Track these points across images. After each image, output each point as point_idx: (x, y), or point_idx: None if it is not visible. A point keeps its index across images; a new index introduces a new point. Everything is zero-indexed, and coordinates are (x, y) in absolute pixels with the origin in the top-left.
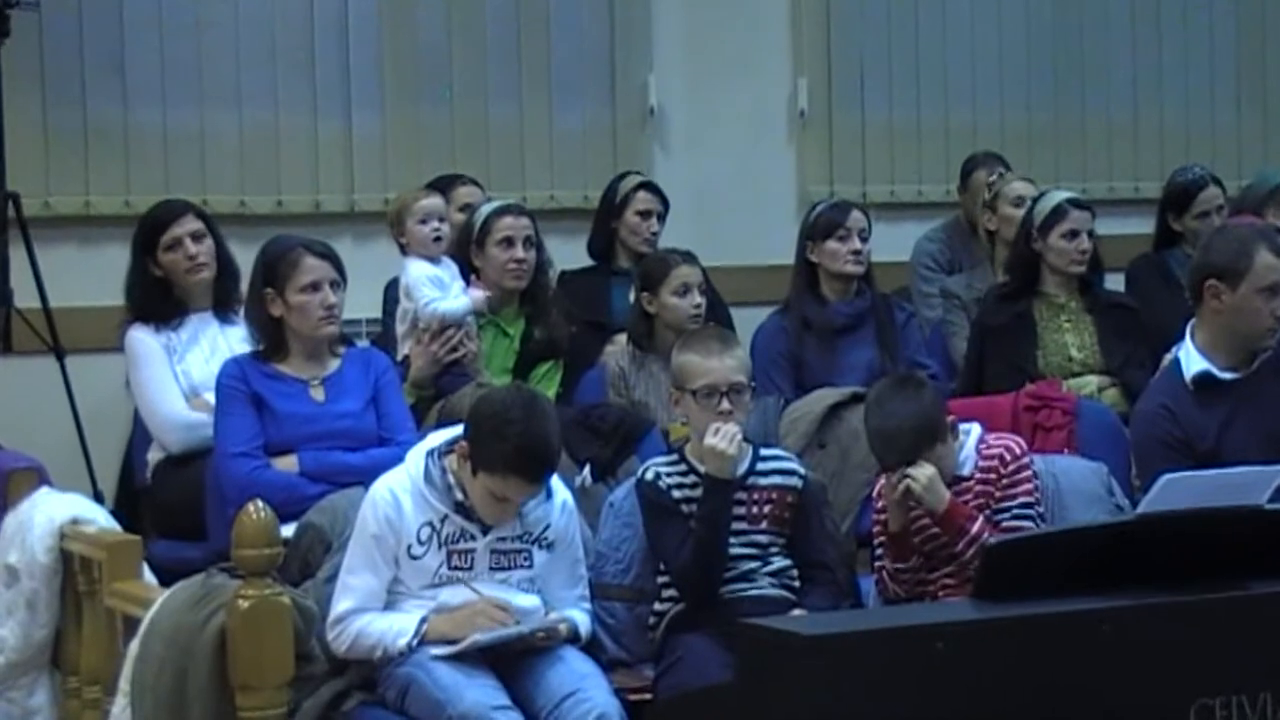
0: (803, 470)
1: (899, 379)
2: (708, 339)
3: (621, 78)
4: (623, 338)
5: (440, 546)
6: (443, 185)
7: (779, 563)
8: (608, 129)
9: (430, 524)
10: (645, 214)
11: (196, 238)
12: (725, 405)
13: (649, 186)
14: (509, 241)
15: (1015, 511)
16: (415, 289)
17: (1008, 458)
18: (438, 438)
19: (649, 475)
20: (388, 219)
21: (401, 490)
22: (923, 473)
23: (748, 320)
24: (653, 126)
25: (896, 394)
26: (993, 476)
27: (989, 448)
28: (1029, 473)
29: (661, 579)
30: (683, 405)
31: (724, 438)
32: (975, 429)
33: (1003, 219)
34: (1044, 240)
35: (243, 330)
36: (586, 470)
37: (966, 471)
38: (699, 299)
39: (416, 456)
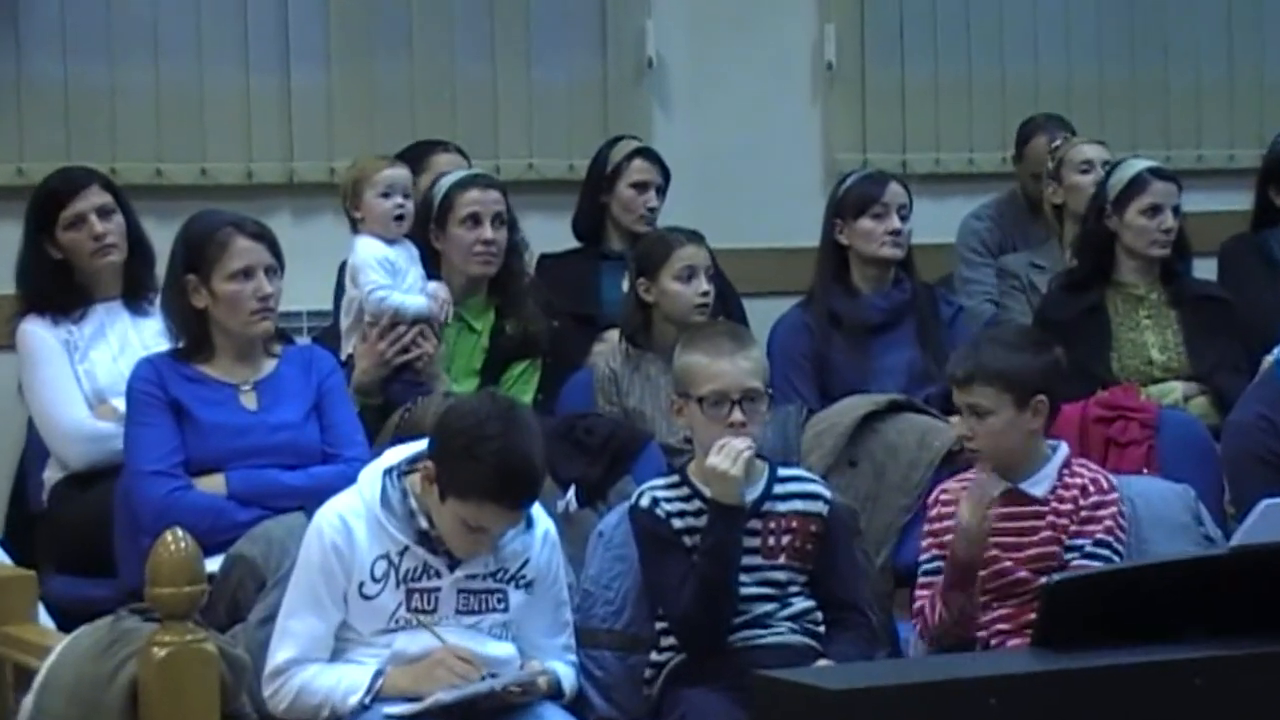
0: (829, 494)
1: (1027, 328)
2: (716, 336)
3: (614, 24)
4: (614, 334)
5: (398, 584)
6: (418, 153)
7: (800, 604)
8: (597, 85)
9: (387, 557)
10: (641, 186)
11: (104, 214)
12: (737, 415)
13: (646, 153)
14: (474, 219)
15: (1088, 549)
16: (361, 273)
17: (1091, 490)
18: (397, 454)
19: (644, 501)
20: (341, 189)
21: (354, 516)
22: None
23: (764, 314)
24: (651, 82)
25: (1012, 332)
26: (1069, 507)
27: (1073, 474)
28: (1114, 510)
29: (660, 624)
30: (686, 415)
31: (727, 456)
32: (1064, 450)
33: (1069, 189)
34: (1119, 217)
35: (158, 323)
36: (571, 493)
37: (1040, 493)
38: (706, 285)
39: (371, 477)
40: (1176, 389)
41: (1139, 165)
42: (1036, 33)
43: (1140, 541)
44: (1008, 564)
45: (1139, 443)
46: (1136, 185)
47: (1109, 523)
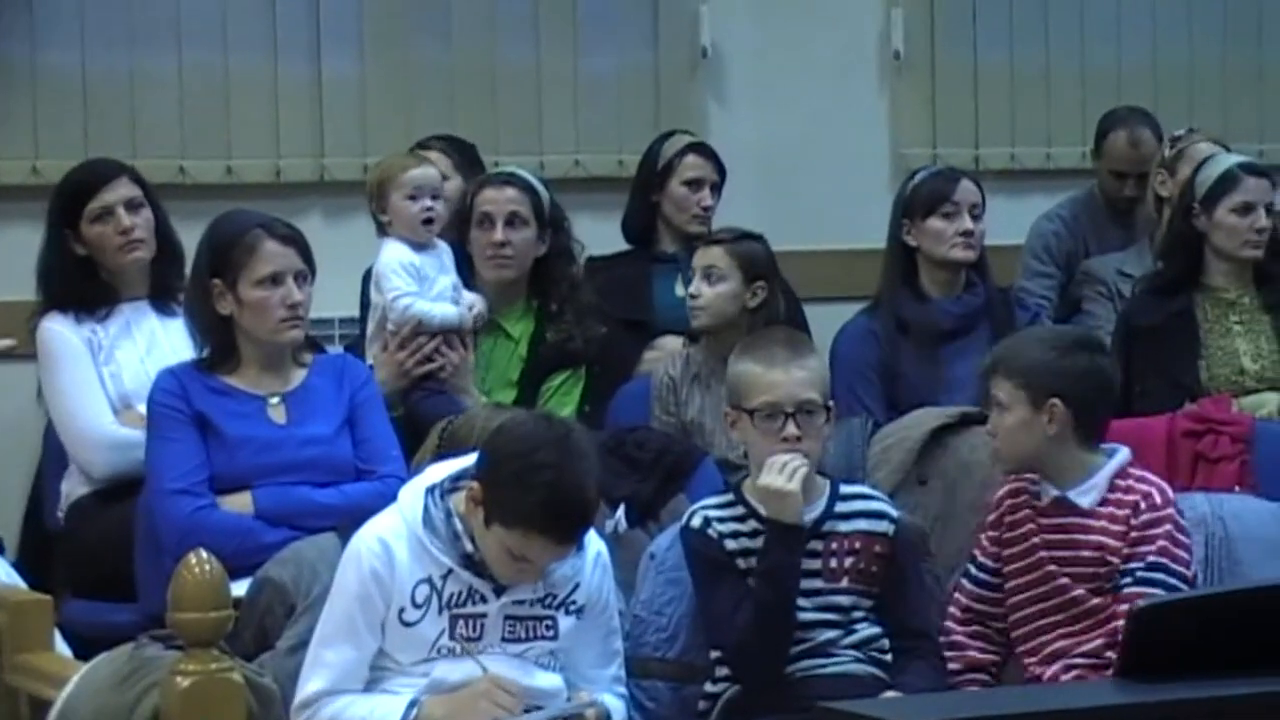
0: (895, 512)
1: (1074, 330)
2: (771, 344)
3: (666, 10)
4: (667, 341)
5: (441, 610)
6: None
7: (865, 631)
8: (648, 75)
9: (429, 581)
10: (695, 184)
11: (132, 207)
12: (791, 429)
13: (700, 149)
14: (488, 220)
15: (1140, 574)
16: (385, 279)
17: (1143, 506)
18: (439, 471)
19: (696, 521)
20: (367, 189)
21: (394, 538)
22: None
23: (828, 320)
24: (706, 72)
25: (1052, 330)
26: (1120, 528)
27: (1127, 490)
28: (1168, 528)
29: (716, 652)
30: (740, 429)
31: (780, 471)
32: (1120, 457)
33: (1179, 185)
34: (1209, 216)
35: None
36: (620, 512)
37: (1086, 503)
38: (694, 288)
39: (413, 495)
40: (1271, 400)
41: (1230, 160)
42: (1119, 15)
43: (1233, 563)
44: (1064, 580)
45: (1231, 458)
46: (1227, 181)
47: (1162, 542)
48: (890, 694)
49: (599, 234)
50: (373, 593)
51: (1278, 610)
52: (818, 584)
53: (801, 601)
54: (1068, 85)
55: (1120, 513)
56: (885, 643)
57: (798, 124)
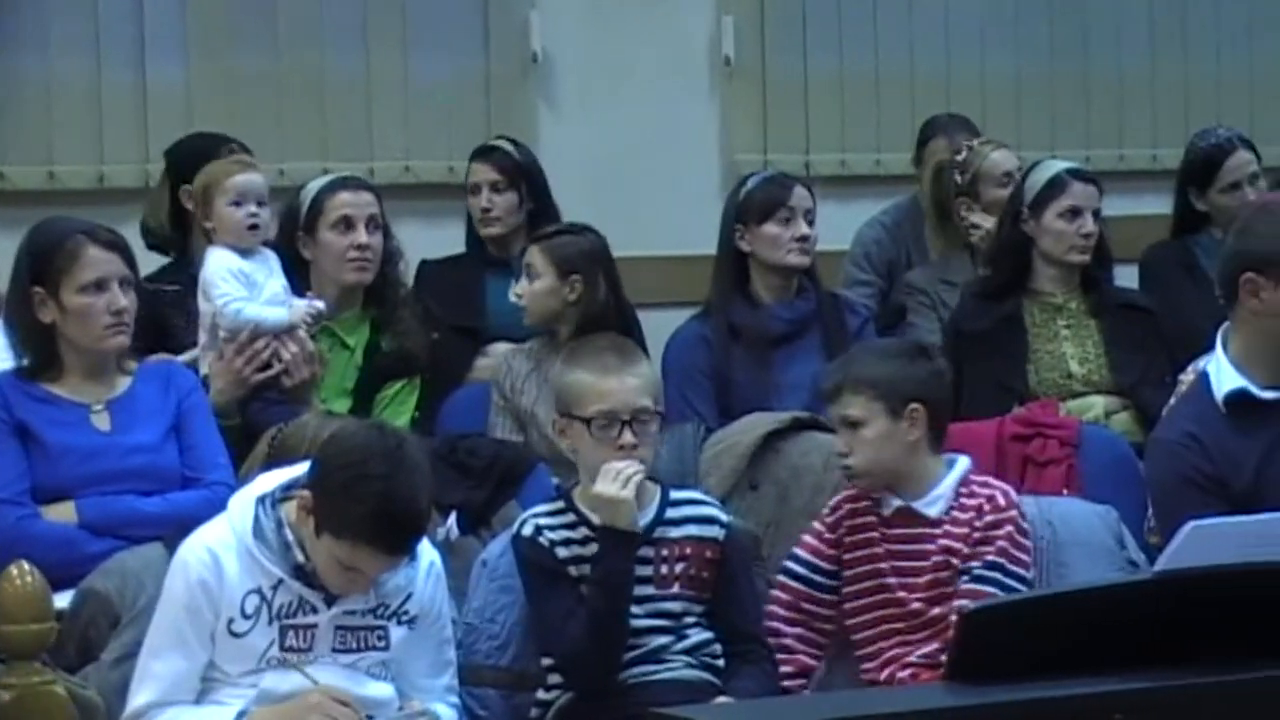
0: (725, 517)
1: (905, 340)
2: (601, 352)
3: (496, 15)
4: (500, 347)
5: (271, 620)
6: (204, 148)
7: (697, 636)
8: (479, 81)
9: (259, 591)
10: (474, 189)
11: None
12: (627, 437)
13: (479, 153)
14: (347, 223)
15: (976, 572)
16: (213, 286)
17: (986, 509)
18: (270, 480)
19: (526, 529)
20: (191, 196)
21: (223, 548)
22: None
23: (660, 326)
24: (536, 78)
25: (886, 342)
26: (964, 531)
27: (971, 495)
28: (1009, 530)
29: (548, 660)
30: (570, 437)
31: (614, 479)
32: (962, 465)
33: (993, 205)
34: (1036, 221)
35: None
36: (452, 520)
37: (934, 513)
38: (522, 285)
39: (243, 504)
40: (1097, 404)
41: (1057, 166)
42: (948, 25)
43: (1060, 566)
44: (900, 594)
45: (1059, 461)
46: (1054, 187)
47: (1002, 543)
48: (722, 699)
49: (430, 240)
50: (201, 603)
51: (1104, 612)
52: (649, 590)
53: (633, 608)
54: (897, 92)
55: (964, 516)
56: (717, 648)
57: (629, 129)
